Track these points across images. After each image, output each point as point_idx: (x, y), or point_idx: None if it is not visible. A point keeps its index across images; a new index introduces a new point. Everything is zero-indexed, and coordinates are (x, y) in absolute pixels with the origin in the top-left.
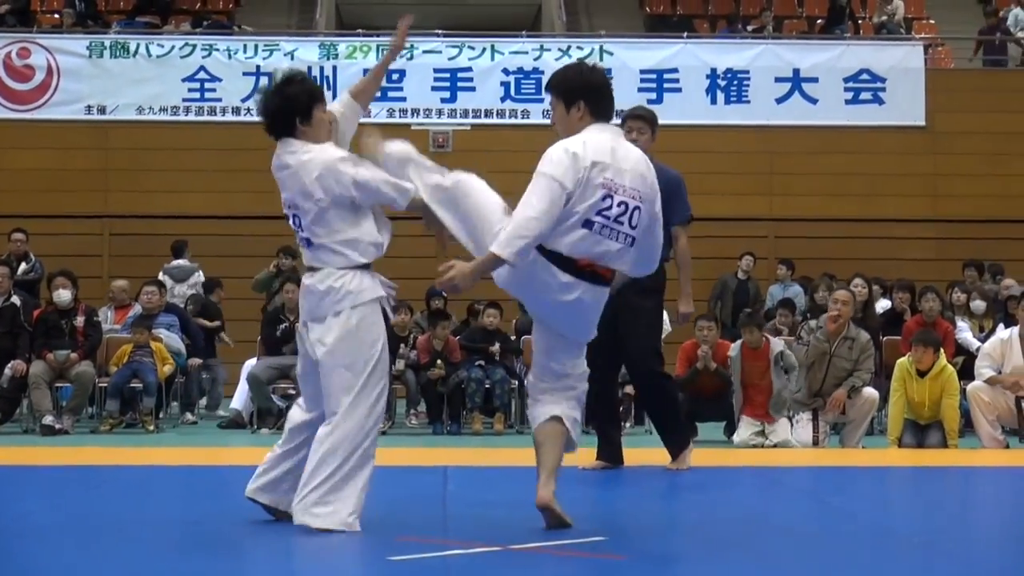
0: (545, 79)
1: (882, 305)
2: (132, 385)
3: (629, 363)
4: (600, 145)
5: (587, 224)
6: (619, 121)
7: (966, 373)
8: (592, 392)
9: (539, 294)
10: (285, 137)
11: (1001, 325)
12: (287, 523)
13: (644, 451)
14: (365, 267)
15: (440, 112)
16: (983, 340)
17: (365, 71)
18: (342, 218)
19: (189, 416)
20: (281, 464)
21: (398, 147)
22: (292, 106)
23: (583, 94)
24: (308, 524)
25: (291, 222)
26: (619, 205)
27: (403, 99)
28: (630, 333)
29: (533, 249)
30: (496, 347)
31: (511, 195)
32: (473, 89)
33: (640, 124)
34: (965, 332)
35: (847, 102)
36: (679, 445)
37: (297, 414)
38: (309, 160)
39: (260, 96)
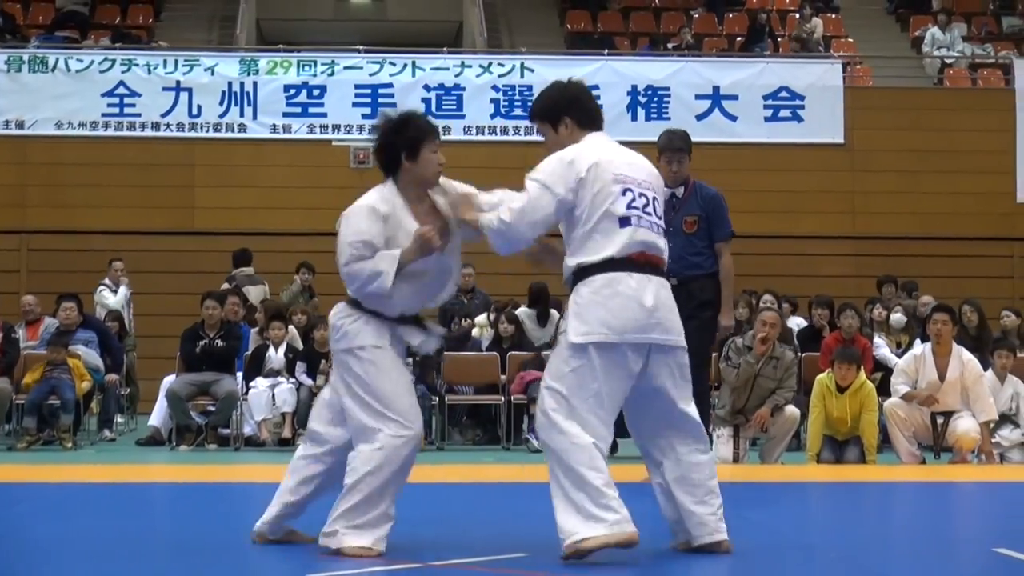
0: (466, 95)
1: (794, 322)
2: (50, 402)
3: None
4: (597, 148)
5: (624, 222)
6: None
7: (884, 389)
8: None
9: (626, 322)
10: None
11: (918, 341)
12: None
13: None
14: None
15: (361, 128)
16: (900, 356)
17: (286, 87)
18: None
19: (107, 433)
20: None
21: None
22: (399, 144)
23: (566, 109)
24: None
25: None
26: (640, 196)
27: (324, 115)
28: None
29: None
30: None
31: None
32: (394, 105)
33: (679, 155)
34: (883, 348)
35: (766, 119)
36: None
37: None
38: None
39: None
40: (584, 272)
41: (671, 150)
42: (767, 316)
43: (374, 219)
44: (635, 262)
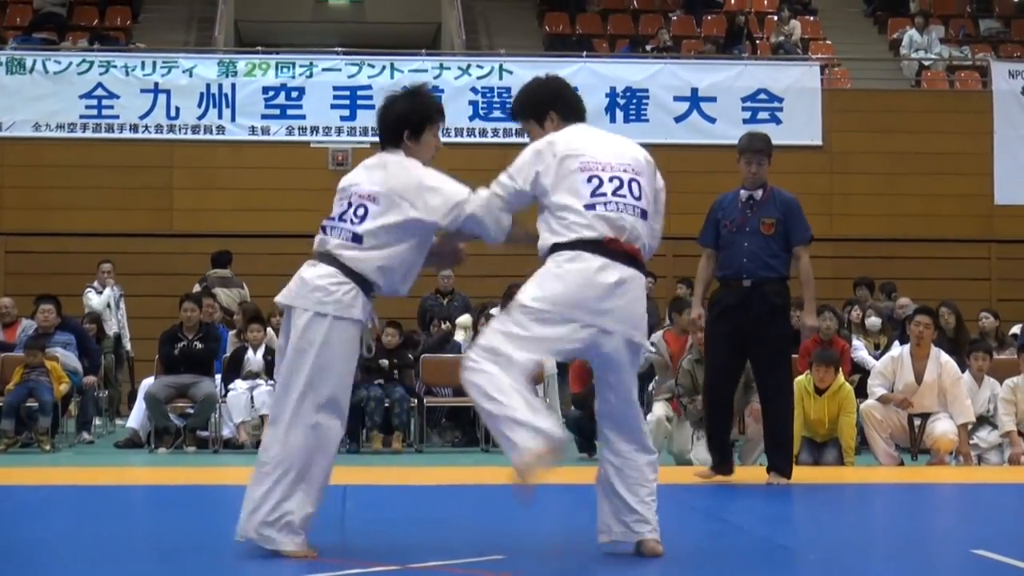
0: (445, 97)
1: None
2: (28, 404)
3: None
4: (571, 137)
5: (590, 207)
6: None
7: (861, 391)
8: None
9: (582, 305)
10: (392, 147)
11: (897, 343)
12: (189, 543)
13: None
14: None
15: (340, 130)
16: (878, 358)
17: (264, 88)
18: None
19: (86, 435)
20: None
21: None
22: (404, 120)
23: (551, 104)
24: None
25: (344, 208)
26: (611, 180)
27: (302, 117)
28: (764, 357)
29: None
30: (385, 363)
31: None
32: (373, 107)
33: (759, 157)
34: (861, 351)
35: (745, 121)
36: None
37: None
38: (408, 171)
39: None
40: (554, 249)
41: (751, 151)
42: None
43: None
44: (605, 247)
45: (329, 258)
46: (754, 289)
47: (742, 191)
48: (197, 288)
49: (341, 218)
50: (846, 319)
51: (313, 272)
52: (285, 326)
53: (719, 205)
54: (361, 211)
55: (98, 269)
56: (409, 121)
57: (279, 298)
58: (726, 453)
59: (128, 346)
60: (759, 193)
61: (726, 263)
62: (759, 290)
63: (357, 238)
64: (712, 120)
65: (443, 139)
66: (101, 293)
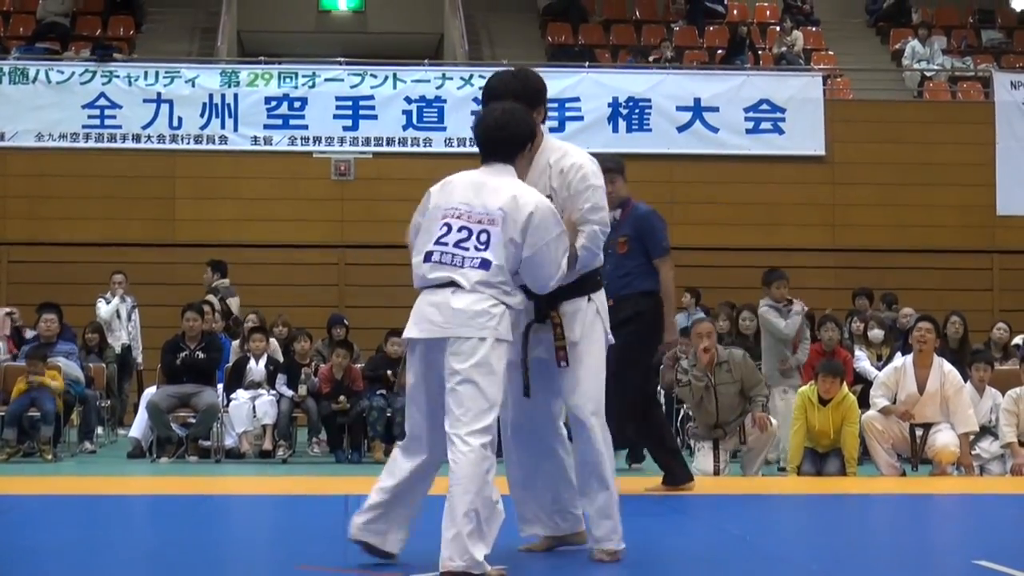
0: (447, 107)
1: None
2: (30, 414)
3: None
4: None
5: (427, 257)
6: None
7: (863, 401)
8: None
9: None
10: (505, 163)
11: (899, 353)
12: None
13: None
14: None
15: (342, 140)
16: (880, 368)
17: (267, 99)
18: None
19: (88, 445)
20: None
21: None
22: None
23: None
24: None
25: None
26: (460, 231)
27: (305, 127)
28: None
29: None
30: (390, 373)
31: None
32: (375, 117)
33: (611, 176)
34: (863, 361)
35: (747, 131)
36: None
37: None
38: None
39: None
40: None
41: (602, 171)
42: (700, 328)
43: None
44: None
45: (469, 285)
46: (616, 306)
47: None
48: (211, 297)
49: (459, 245)
50: (849, 330)
51: (466, 300)
52: (426, 359)
53: None
54: (484, 236)
55: (111, 280)
56: (533, 135)
57: (425, 333)
58: (669, 464)
59: (140, 358)
60: (619, 212)
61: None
62: (618, 306)
63: (485, 264)
64: (715, 130)
65: (445, 149)
66: (110, 303)
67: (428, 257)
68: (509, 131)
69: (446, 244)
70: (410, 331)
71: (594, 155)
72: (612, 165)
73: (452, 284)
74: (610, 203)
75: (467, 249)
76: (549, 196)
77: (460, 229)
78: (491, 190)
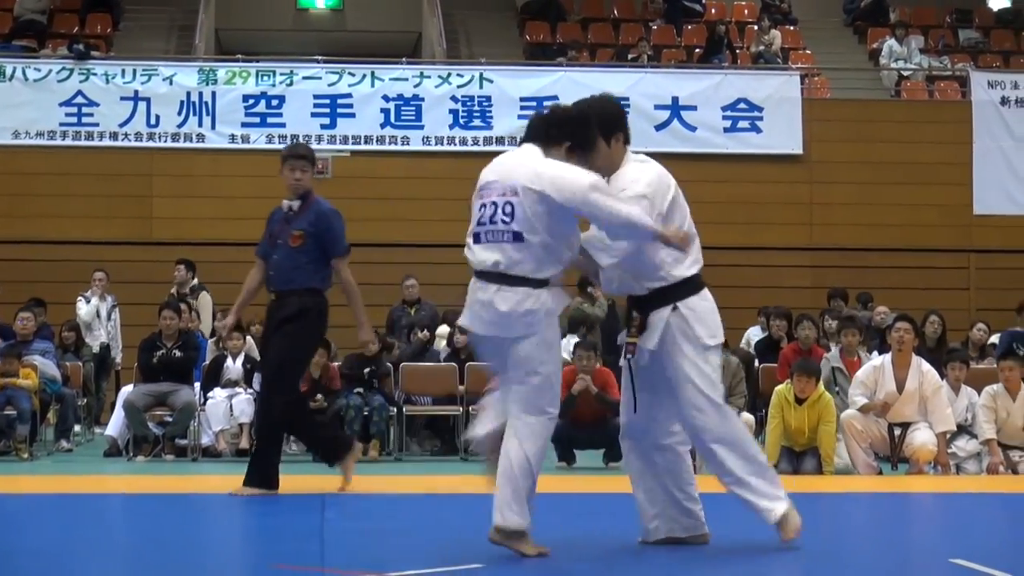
0: (425, 106)
1: (753, 332)
2: (6, 412)
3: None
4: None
5: (476, 238)
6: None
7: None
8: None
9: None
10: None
11: (875, 352)
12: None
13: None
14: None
15: (320, 138)
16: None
17: (244, 97)
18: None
19: (64, 444)
20: None
21: None
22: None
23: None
24: None
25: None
26: (491, 206)
27: (282, 125)
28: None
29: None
30: (366, 371)
31: (391, 221)
32: (353, 116)
33: (302, 164)
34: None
35: (725, 130)
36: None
37: None
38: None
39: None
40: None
41: (294, 157)
42: None
43: None
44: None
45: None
46: (278, 301)
47: (284, 201)
48: (206, 296)
49: (493, 220)
50: (823, 329)
51: (510, 300)
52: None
53: (271, 216)
54: (508, 208)
55: (92, 278)
56: (572, 133)
57: (479, 329)
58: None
59: (119, 357)
60: (297, 204)
61: (268, 275)
62: (280, 302)
63: (518, 237)
64: (693, 129)
65: (423, 148)
66: (90, 302)
67: (477, 238)
68: (547, 117)
69: (484, 224)
70: (465, 319)
71: None
72: (304, 152)
73: (497, 276)
74: (295, 192)
75: (497, 223)
76: None
77: (491, 204)
78: (512, 165)
